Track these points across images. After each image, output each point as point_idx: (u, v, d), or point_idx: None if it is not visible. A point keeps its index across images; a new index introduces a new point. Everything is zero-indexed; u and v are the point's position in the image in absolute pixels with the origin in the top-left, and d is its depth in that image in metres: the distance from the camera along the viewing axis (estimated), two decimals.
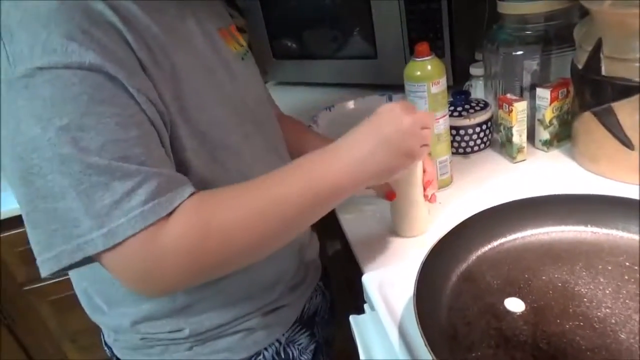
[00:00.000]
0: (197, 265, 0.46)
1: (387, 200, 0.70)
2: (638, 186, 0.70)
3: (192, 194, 0.48)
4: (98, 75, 0.42)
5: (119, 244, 0.43)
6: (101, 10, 0.45)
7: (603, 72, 0.69)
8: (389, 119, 0.56)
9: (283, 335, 0.70)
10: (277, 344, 0.70)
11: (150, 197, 0.44)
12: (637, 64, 0.66)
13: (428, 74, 0.72)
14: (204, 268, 0.48)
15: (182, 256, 0.45)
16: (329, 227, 0.87)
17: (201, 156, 0.54)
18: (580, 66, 0.74)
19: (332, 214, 0.84)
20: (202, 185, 0.52)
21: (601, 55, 0.69)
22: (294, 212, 0.51)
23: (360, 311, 0.65)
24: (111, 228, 0.43)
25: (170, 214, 0.45)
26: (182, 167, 0.53)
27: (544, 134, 0.85)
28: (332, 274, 0.96)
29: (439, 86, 0.73)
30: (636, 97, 0.66)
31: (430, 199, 0.69)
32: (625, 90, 0.67)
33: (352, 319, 0.63)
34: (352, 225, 0.78)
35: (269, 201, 0.50)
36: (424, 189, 0.68)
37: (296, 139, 0.78)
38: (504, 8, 0.89)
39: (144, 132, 0.46)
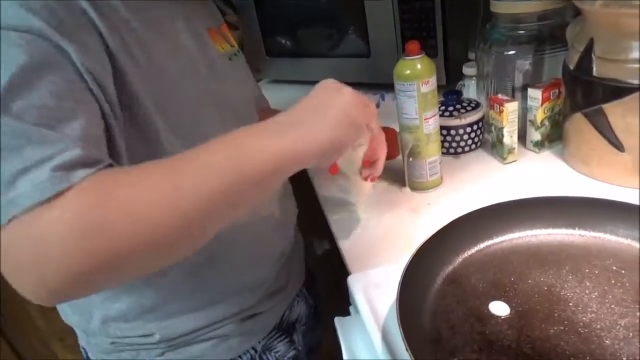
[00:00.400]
0: (92, 246, 0.37)
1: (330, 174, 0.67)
2: (628, 188, 0.70)
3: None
4: (46, 43, 0.41)
5: (18, 215, 0.36)
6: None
7: (594, 73, 0.68)
8: (328, 89, 0.52)
9: (259, 342, 0.69)
10: (252, 352, 0.69)
11: (66, 165, 0.38)
12: (629, 65, 0.65)
13: (418, 73, 0.71)
14: (102, 252, 0.37)
15: (74, 232, 0.36)
16: (318, 227, 0.86)
17: (179, 151, 0.53)
18: (571, 66, 0.73)
19: (321, 214, 0.83)
20: None
21: (593, 56, 0.68)
22: (217, 184, 0.42)
23: (348, 313, 0.64)
24: (14, 197, 0.36)
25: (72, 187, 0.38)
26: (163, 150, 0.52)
27: (535, 135, 0.84)
28: (320, 275, 0.96)
29: (429, 85, 0.72)
30: (627, 98, 0.65)
31: (368, 179, 0.65)
32: (616, 91, 0.66)
33: (337, 320, 0.62)
34: (341, 226, 0.77)
35: (185, 175, 0.41)
36: (362, 167, 0.64)
37: None
38: (497, 7, 0.88)
39: (81, 108, 0.42)
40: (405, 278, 0.52)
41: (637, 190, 0.68)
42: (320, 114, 0.48)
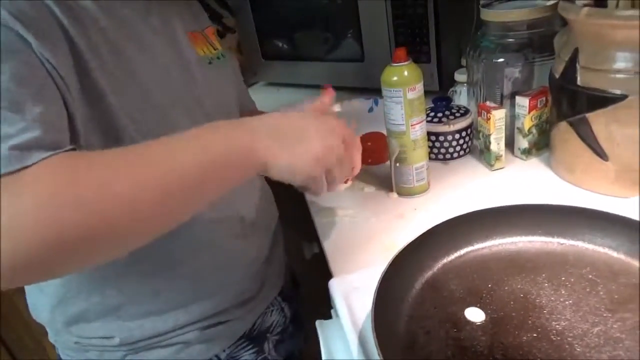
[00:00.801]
0: (65, 219, 0.37)
1: None
2: (612, 197, 0.70)
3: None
4: (8, 31, 0.42)
5: None
6: None
7: (578, 82, 0.69)
8: (316, 117, 0.54)
9: (224, 350, 0.69)
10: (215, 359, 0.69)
11: (25, 145, 0.38)
12: (612, 75, 0.65)
13: (404, 80, 0.72)
14: (73, 226, 0.37)
15: (47, 205, 0.36)
16: (307, 229, 0.86)
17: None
18: (557, 75, 0.73)
19: (310, 218, 0.83)
20: None
21: (577, 65, 0.69)
22: (181, 166, 0.43)
23: (331, 316, 0.64)
24: None
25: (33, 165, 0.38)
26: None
27: (523, 143, 0.85)
28: (308, 279, 0.96)
29: (415, 92, 0.73)
30: (610, 108, 0.66)
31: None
32: (600, 100, 0.67)
33: (318, 323, 0.63)
34: (327, 229, 0.78)
35: (155, 157, 0.43)
36: None
37: None
38: (487, 15, 0.89)
39: (42, 94, 0.43)
40: (382, 282, 0.52)
41: (620, 198, 0.69)
42: (290, 140, 0.50)
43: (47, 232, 0.36)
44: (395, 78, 0.72)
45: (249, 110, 0.86)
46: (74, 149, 0.42)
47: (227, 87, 0.71)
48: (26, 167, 0.37)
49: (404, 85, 0.72)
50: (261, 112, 0.85)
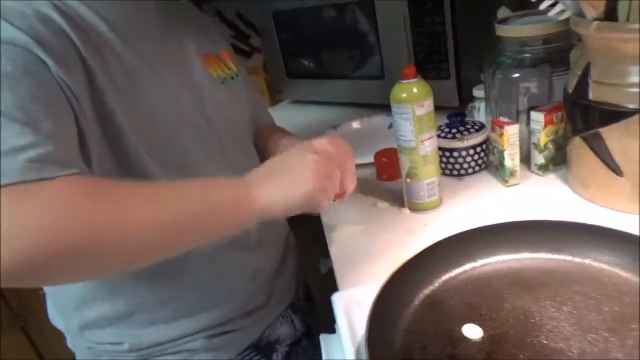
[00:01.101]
0: (75, 228, 0.39)
1: None
2: (627, 214, 0.68)
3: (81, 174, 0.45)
4: (28, 54, 0.46)
5: None
6: (59, 23, 0.51)
7: (590, 97, 0.68)
8: (307, 150, 0.57)
9: (232, 359, 0.70)
10: None
11: (38, 159, 0.41)
12: (625, 89, 0.64)
13: (413, 96, 0.73)
14: (82, 235, 0.40)
15: (54, 213, 0.39)
16: (323, 245, 0.87)
17: (155, 166, 0.57)
18: (570, 90, 0.72)
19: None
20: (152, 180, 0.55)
21: (589, 80, 0.68)
22: (186, 211, 0.48)
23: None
24: None
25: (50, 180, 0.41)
26: (139, 174, 0.56)
27: (539, 158, 0.83)
28: (324, 293, 0.96)
29: (424, 108, 0.73)
30: (624, 122, 0.64)
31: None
32: (612, 115, 0.65)
33: (322, 337, 0.63)
34: (338, 244, 0.78)
35: (166, 198, 0.47)
36: None
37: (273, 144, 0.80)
38: (503, 31, 0.88)
39: (55, 112, 0.46)
40: (379, 298, 0.53)
41: (636, 215, 0.66)
42: (283, 181, 0.54)
43: (51, 241, 0.38)
44: (403, 95, 0.73)
45: (267, 125, 0.88)
46: (90, 173, 0.46)
47: (239, 106, 0.73)
48: (42, 180, 0.40)
49: (412, 102, 0.73)
50: (278, 128, 0.88)
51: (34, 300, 1.36)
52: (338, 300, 0.62)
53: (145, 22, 0.61)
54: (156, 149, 0.58)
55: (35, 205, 0.39)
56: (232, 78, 0.72)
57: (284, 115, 1.38)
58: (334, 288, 0.74)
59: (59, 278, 0.45)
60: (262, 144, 0.82)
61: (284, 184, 0.54)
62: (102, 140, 0.54)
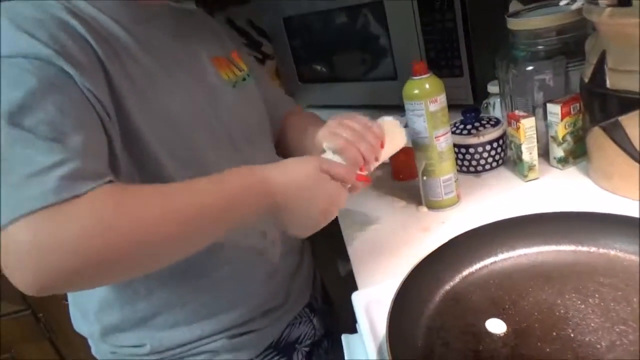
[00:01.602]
0: (103, 243, 0.43)
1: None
2: None
3: (109, 182, 0.47)
4: (52, 67, 0.47)
5: (25, 215, 0.41)
6: (78, 29, 0.52)
7: (608, 85, 0.66)
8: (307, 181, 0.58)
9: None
10: None
11: (70, 176, 0.43)
12: None
13: (425, 92, 0.72)
14: (110, 249, 0.43)
15: (89, 230, 0.43)
16: (342, 247, 0.87)
17: (172, 167, 0.58)
18: (586, 80, 0.71)
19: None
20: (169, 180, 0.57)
21: (605, 68, 0.66)
22: (200, 207, 0.50)
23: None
24: (19, 200, 0.41)
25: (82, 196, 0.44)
26: (156, 175, 0.57)
27: (558, 151, 0.82)
28: (344, 295, 0.96)
29: (437, 104, 0.73)
30: None
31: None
32: (631, 102, 0.64)
33: (344, 337, 0.63)
34: (355, 243, 0.78)
35: (178, 199, 0.49)
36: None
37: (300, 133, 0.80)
38: (514, 24, 0.87)
39: (84, 124, 0.48)
40: (399, 295, 0.52)
41: None
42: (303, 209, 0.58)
43: (88, 255, 0.42)
44: (416, 91, 0.73)
45: (291, 111, 0.89)
46: (112, 181, 0.47)
47: (251, 108, 0.74)
48: (76, 197, 0.43)
49: (425, 98, 0.72)
50: (301, 115, 0.88)
51: (60, 312, 1.39)
52: (358, 299, 0.61)
53: (158, 26, 0.62)
54: (173, 149, 0.58)
55: (69, 222, 0.42)
56: (244, 79, 0.73)
57: None
58: (353, 290, 0.74)
59: (91, 285, 0.50)
60: (288, 136, 0.83)
61: (299, 205, 0.57)
62: (122, 142, 0.54)
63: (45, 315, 1.41)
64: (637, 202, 0.68)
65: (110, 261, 0.44)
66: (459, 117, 0.91)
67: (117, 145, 0.53)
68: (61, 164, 0.43)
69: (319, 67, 1.42)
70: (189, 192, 0.50)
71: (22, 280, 0.41)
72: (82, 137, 0.46)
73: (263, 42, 1.59)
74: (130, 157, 0.56)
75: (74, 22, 0.51)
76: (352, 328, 0.66)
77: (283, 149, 0.84)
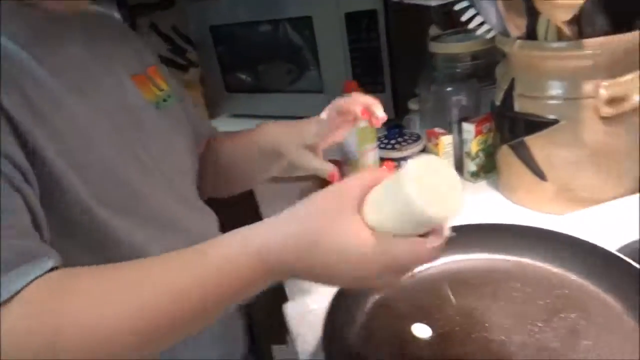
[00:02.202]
0: (39, 348, 0.36)
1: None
2: (552, 215, 0.74)
3: (48, 271, 0.39)
4: None
5: None
6: None
7: (516, 109, 0.74)
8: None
9: None
10: None
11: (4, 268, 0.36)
12: (546, 102, 0.70)
13: None
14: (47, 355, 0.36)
15: (22, 335, 0.36)
16: None
17: (95, 204, 0.51)
18: (497, 103, 0.78)
19: None
20: (104, 230, 0.51)
21: (514, 94, 0.74)
22: (177, 306, 0.40)
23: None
24: None
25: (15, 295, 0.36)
26: (81, 213, 0.49)
27: (471, 166, 0.89)
28: (263, 304, 0.94)
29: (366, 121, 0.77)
30: (545, 131, 0.71)
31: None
32: (535, 125, 0.72)
33: (274, 349, 0.64)
34: None
35: (144, 293, 0.39)
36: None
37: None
38: (435, 47, 0.95)
39: (5, 202, 0.40)
40: (332, 305, 0.54)
41: (559, 216, 0.73)
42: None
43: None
44: None
45: (211, 136, 0.82)
46: (56, 267, 0.40)
47: (175, 130, 0.67)
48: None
49: None
50: (225, 134, 0.84)
51: None
52: (291, 310, 0.63)
53: (66, 41, 0.54)
54: (95, 183, 0.50)
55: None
56: (165, 100, 0.66)
57: (223, 129, 1.37)
58: (275, 299, 0.73)
59: None
60: (215, 154, 0.78)
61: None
62: (40, 189, 0.45)
63: None
64: (539, 213, 0.76)
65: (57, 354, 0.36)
66: (383, 132, 0.96)
67: (34, 200, 0.43)
68: None
69: (245, 77, 1.43)
70: (161, 276, 0.40)
71: None
72: (6, 214, 0.38)
73: (188, 49, 1.56)
74: (48, 200, 0.46)
75: None
76: (278, 339, 0.67)
77: (214, 176, 0.78)
